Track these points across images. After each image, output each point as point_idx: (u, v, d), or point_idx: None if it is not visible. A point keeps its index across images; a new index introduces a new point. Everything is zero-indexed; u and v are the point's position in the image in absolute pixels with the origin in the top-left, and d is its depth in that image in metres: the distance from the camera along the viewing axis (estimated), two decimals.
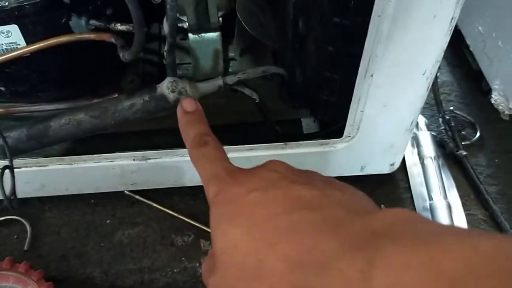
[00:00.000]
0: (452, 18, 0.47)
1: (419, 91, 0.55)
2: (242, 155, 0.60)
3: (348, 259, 0.22)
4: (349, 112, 0.57)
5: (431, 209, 0.63)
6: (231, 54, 0.68)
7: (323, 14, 0.54)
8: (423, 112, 0.77)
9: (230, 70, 0.69)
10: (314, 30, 0.57)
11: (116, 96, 0.48)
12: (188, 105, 0.41)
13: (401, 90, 0.54)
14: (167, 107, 0.46)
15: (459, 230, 0.23)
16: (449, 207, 0.63)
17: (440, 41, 0.49)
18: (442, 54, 0.52)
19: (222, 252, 0.29)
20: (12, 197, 0.40)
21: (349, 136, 0.60)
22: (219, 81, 0.50)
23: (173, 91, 0.46)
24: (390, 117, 0.57)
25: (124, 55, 0.48)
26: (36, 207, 0.66)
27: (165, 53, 0.45)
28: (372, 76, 0.51)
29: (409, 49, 0.49)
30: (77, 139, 0.48)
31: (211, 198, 0.32)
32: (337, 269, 0.22)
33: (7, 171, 0.40)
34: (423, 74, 0.52)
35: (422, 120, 0.73)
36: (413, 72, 0.52)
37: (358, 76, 0.52)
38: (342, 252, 0.23)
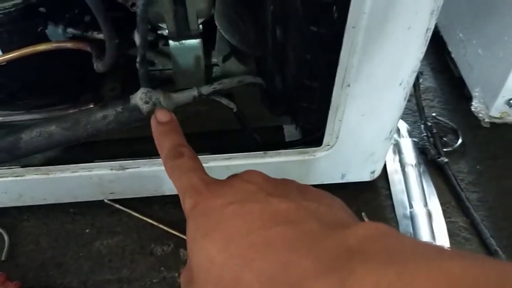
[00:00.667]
0: (427, 29, 0.47)
1: (396, 101, 0.54)
2: (221, 164, 0.60)
3: (322, 279, 0.22)
4: (328, 121, 0.56)
5: (412, 217, 0.63)
6: (214, 60, 0.68)
7: (301, 23, 0.53)
8: (405, 118, 0.77)
9: (213, 76, 0.69)
10: (293, 38, 0.56)
11: (89, 107, 0.47)
12: (162, 116, 0.40)
13: (379, 100, 0.54)
14: (141, 118, 0.46)
15: (432, 249, 0.23)
16: (429, 214, 0.63)
17: (416, 52, 0.49)
18: (419, 64, 0.52)
19: (199, 266, 0.28)
20: None
21: (328, 145, 0.60)
22: (194, 92, 0.49)
23: (146, 102, 0.46)
24: (369, 126, 0.57)
25: (98, 66, 0.48)
26: (14, 216, 0.65)
27: (137, 65, 0.45)
28: (349, 86, 0.51)
29: (385, 60, 0.49)
30: (50, 150, 0.47)
31: (187, 210, 0.32)
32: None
33: None
34: (400, 84, 0.52)
35: (404, 127, 0.73)
36: (390, 82, 0.52)
37: (335, 86, 0.52)
38: (316, 271, 0.23)
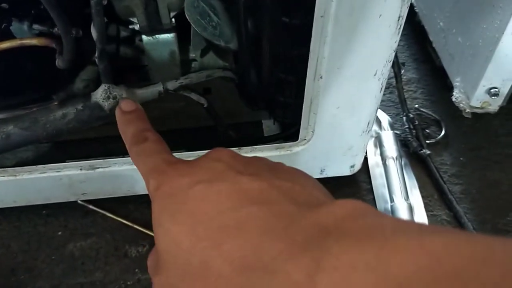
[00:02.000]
0: (399, 17, 0.45)
1: (372, 92, 0.53)
2: None
3: (295, 261, 0.21)
4: (303, 115, 0.55)
5: (392, 211, 0.62)
6: (192, 55, 0.66)
7: (272, 14, 0.52)
8: (387, 110, 0.76)
9: (191, 71, 0.67)
10: (265, 31, 0.55)
11: (47, 105, 0.46)
12: (126, 105, 0.38)
13: (354, 92, 0.52)
14: (102, 116, 0.44)
15: (411, 226, 0.22)
16: (410, 208, 0.62)
17: (389, 40, 0.47)
18: (393, 54, 0.50)
19: (165, 251, 0.27)
20: None
21: (305, 139, 0.58)
22: (159, 87, 0.48)
23: (108, 98, 0.44)
24: (345, 119, 0.56)
25: (59, 63, 0.46)
26: None
27: (96, 60, 0.43)
28: (321, 77, 0.50)
29: (356, 50, 0.47)
30: (8, 151, 0.46)
31: (151, 192, 0.30)
32: (284, 272, 0.21)
33: None
34: (375, 75, 0.50)
35: (385, 119, 0.72)
36: (363, 73, 0.50)
37: (307, 78, 0.50)
38: (289, 253, 0.22)
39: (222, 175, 0.28)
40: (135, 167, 0.59)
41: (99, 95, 0.44)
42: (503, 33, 0.54)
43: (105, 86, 0.44)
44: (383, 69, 0.50)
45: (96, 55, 0.42)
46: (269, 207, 0.25)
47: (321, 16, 0.43)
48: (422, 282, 0.17)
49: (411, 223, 0.23)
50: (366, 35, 0.46)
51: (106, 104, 0.43)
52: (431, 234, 0.20)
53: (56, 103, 0.49)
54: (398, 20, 0.45)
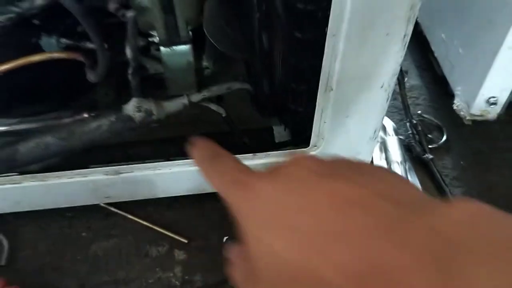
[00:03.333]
0: (404, 35, 0.49)
1: (379, 103, 0.57)
2: None
3: (420, 272, 0.19)
4: (314, 123, 0.58)
5: None
6: (205, 64, 0.70)
7: (285, 29, 0.55)
8: (391, 116, 0.80)
9: (204, 80, 0.71)
10: (278, 44, 0.58)
11: (83, 117, 0.49)
12: (197, 140, 0.35)
13: (362, 102, 0.56)
14: (133, 127, 0.48)
15: None
16: None
17: (395, 56, 0.51)
18: (399, 67, 0.54)
19: (260, 262, 0.25)
20: None
21: (315, 146, 0.62)
22: (184, 100, 0.51)
23: (138, 111, 0.48)
24: (353, 127, 0.59)
25: (90, 76, 0.50)
26: (12, 222, 0.67)
27: (129, 76, 0.47)
28: (332, 89, 0.53)
29: (365, 64, 0.51)
30: (45, 161, 0.49)
31: (234, 207, 0.29)
32: (408, 285, 0.19)
33: None
34: (381, 87, 0.54)
35: (390, 125, 0.76)
36: (371, 86, 0.54)
37: (319, 90, 0.54)
38: (409, 262, 0.19)
39: (311, 183, 0.26)
40: (156, 172, 0.63)
41: (130, 108, 0.48)
42: (500, 47, 0.58)
43: (136, 99, 0.47)
44: (390, 81, 0.54)
45: (130, 72, 0.46)
46: (371, 212, 0.23)
47: (333, 35, 0.47)
48: None
49: None
50: (374, 52, 0.49)
51: (137, 116, 0.47)
52: None
53: (87, 115, 0.53)
54: (404, 38, 0.49)
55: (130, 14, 0.42)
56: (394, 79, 0.55)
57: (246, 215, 0.27)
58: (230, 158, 0.32)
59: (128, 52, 0.45)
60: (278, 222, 0.25)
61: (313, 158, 0.28)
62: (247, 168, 0.30)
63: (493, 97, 0.64)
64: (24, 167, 0.49)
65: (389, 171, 0.28)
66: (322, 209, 0.24)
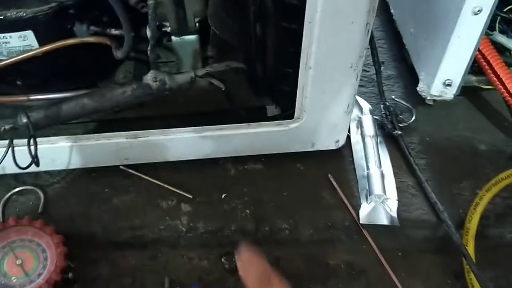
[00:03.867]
0: (366, 24, 0.62)
1: (350, 80, 0.69)
2: (214, 133, 0.75)
3: None
4: (297, 98, 0.71)
5: (368, 177, 0.78)
6: (209, 53, 0.82)
7: (275, 20, 0.68)
8: (369, 100, 0.92)
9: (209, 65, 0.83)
10: (270, 33, 0.71)
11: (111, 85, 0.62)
12: (245, 253, 0.40)
13: (335, 79, 0.69)
14: (150, 93, 0.61)
15: None
16: (382, 175, 0.78)
17: (360, 41, 0.63)
18: (365, 51, 0.66)
19: None
20: (35, 159, 0.54)
21: (299, 118, 0.74)
22: (191, 73, 0.64)
23: (155, 81, 0.61)
24: (329, 102, 0.72)
25: (117, 54, 0.63)
26: (46, 179, 0.80)
27: (148, 52, 0.60)
28: (310, 68, 0.66)
29: (336, 47, 0.63)
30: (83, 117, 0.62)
31: None
32: None
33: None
34: (351, 67, 0.67)
35: (366, 107, 0.88)
36: (342, 65, 0.66)
37: (300, 69, 0.67)
38: None
39: None
40: (168, 137, 0.76)
41: (148, 78, 0.61)
42: (451, 36, 0.71)
43: (153, 71, 0.61)
44: (357, 63, 0.67)
45: (149, 48, 0.59)
46: None
47: (309, 22, 0.60)
48: None
49: None
50: (343, 37, 0.62)
51: (154, 85, 0.60)
52: None
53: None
54: (366, 26, 0.62)
55: (150, 1, 0.55)
56: (361, 61, 0.67)
57: None
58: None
59: (148, 32, 0.58)
60: None
61: None
62: None
63: (448, 79, 0.77)
64: (65, 122, 0.62)
65: None
66: None
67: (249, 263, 0.39)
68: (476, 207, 0.73)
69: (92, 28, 0.71)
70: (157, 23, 0.75)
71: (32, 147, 0.56)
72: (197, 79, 0.68)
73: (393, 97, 0.92)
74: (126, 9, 0.65)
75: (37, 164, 0.55)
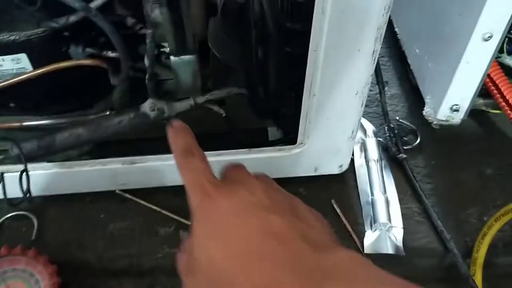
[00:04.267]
0: (373, 51, 0.59)
1: (354, 107, 0.67)
2: (213, 159, 0.72)
3: None
4: (300, 124, 0.69)
5: (372, 203, 0.76)
6: (209, 73, 0.80)
7: (278, 45, 0.66)
8: (373, 121, 0.90)
9: (208, 85, 0.81)
10: (272, 57, 0.69)
11: (107, 114, 0.60)
12: (177, 123, 0.46)
13: (340, 107, 0.66)
14: (148, 123, 0.59)
15: (388, 279, 0.30)
16: (387, 201, 0.76)
17: (366, 68, 0.61)
18: (370, 78, 0.64)
19: (199, 260, 0.33)
20: (28, 194, 0.52)
21: (301, 143, 0.72)
22: (190, 101, 0.62)
23: (153, 110, 0.58)
24: (333, 128, 0.70)
25: (113, 80, 0.60)
26: (40, 204, 0.77)
27: (146, 81, 0.57)
28: (314, 95, 0.64)
29: (341, 75, 0.61)
30: (77, 147, 0.60)
31: (193, 207, 0.36)
32: None
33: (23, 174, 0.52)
34: (356, 94, 0.65)
35: (370, 128, 0.86)
36: (347, 93, 0.64)
37: (303, 96, 0.64)
38: (294, 286, 0.28)
39: (254, 209, 0.34)
40: (166, 163, 0.73)
41: (146, 107, 0.58)
42: (460, 62, 0.68)
43: (151, 100, 0.58)
44: (363, 90, 0.64)
45: (147, 77, 0.57)
46: (287, 245, 0.31)
47: (314, 50, 0.58)
48: None
49: (387, 275, 0.30)
50: (349, 65, 0.60)
51: (152, 114, 0.58)
52: (395, 285, 0.28)
53: (109, 112, 0.64)
54: (373, 53, 0.59)
55: (148, 31, 0.53)
56: (367, 88, 0.65)
57: (200, 219, 0.35)
58: (203, 161, 0.39)
59: (146, 61, 0.55)
60: (222, 236, 0.33)
61: (265, 190, 0.36)
62: (213, 177, 0.38)
63: (456, 104, 0.74)
64: (60, 152, 0.59)
65: (319, 217, 0.37)
66: (253, 232, 0.32)
67: (178, 132, 0.43)
68: (484, 237, 0.71)
69: (88, 50, 0.69)
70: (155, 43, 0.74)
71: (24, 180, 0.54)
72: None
73: (397, 117, 0.90)
74: (122, 32, 0.64)
75: (30, 200, 0.52)
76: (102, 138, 0.58)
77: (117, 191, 0.78)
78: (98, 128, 0.57)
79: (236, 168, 0.41)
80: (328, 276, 0.29)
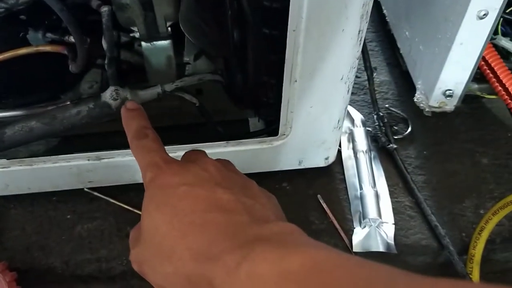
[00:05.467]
0: (359, 31, 0.54)
1: (340, 94, 0.61)
2: None
3: (232, 254, 0.30)
4: (281, 113, 0.63)
5: (361, 197, 0.71)
6: (186, 59, 0.74)
7: (255, 26, 0.60)
8: (361, 109, 0.85)
9: (186, 73, 0.75)
10: (250, 40, 0.63)
11: (64, 104, 0.54)
12: (131, 104, 0.46)
13: (324, 94, 0.61)
14: (110, 113, 0.53)
15: (321, 245, 0.31)
16: (376, 195, 0.71)
17: (352, 51, 0.56)
18: (357, 62, 0.58)
19: (146, 231, 0.35)
20: None
21: (284, 134, 0.66)
22: (158, 89, 0.56)
23: (115, 99, 0.52)
24: (318, 117, 0.64)
25: (72, 68, 0.54)
26: (1, 205, 0.71)
27: (106, 66, 0.51)
28: (296, 81, 0.58)
29: (324, 58, 0.56)
30: (31, 143, 0.54)
31: (146, 182, 0.37)
32: (223, 261, 0.30)
33: None
34: (341, 79, 0.59)
35: (358, 118, 0.81)
36: (332, 78, 0.59)
37: (284, 82, 0.59)
38: (231, 249, 0.30)
39: (204, 184, 0.36)
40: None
41: (107, 95, 0.52)
42: (453, 43, 0.63)
43: (113, 88, 0.52)
44: (349, 74, 0.59)
45: (106, 62, 0.51)
46: (230, 216, 0.33)
47: (294, 30, 0.52)
48: (303, 275, 0.27)
49: (321, 244, 0.31)
50: (332, 46, 0.54)
51: (113, 103, 0.52)
52: (322, 248, 0.30)
53: (68, 102, 0.58)
54: (359, 33, 0.54)
55: (104, 9, 0.47)
56: (353, 73, 0.60)
57: (151, 193, 0.36)
58: (156, 142, 0.40)
59: (104, 44, 0.49)
60: (170, 208, 0.34)
61: (219, 168, 0.38)
62: (166, 155, 0.39)
63: (449, 89, 0.69)
64: (10, 148, 0.53)
65: (270, 197, 0.39)
66: (198, 203, 0.34)
67: (132, 113, 0.44)
68: (481, 232, 0.66)
69: (49, 35, 0.63)
70: (124, 28, 0.68)
71: None
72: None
73: (387, 105, 0.84)
74: (87, 12, 0.58)
75: None
76: (60, 131, 0.52)
77: (85, 189, 0.72)
78: (54, 121, 0.51)
79: (195, 151, 0.42)
80: (261, 242, 0.30)
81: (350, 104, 0.85)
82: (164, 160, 0.38)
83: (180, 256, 0.32)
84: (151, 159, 0.38)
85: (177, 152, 0.66)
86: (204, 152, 0.43)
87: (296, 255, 0.28)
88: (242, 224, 0.33)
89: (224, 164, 0.40)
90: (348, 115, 0.81)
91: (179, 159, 0.41)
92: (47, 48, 0.62)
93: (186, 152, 0.43)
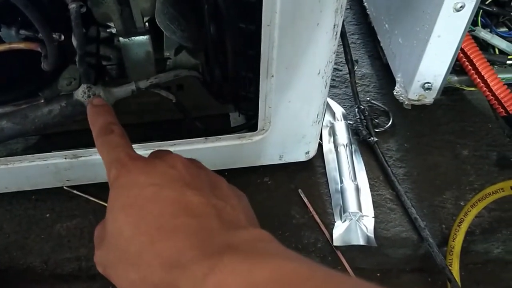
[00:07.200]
0: (334, 25, 0.53)
1: (318, 88, 0.61)
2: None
3: (200, 265, 0.28)
4: (259, 108, 0.63)
5: (342, 191, 0.71)
6: (166, 54, 0.73)
7: (231, 20, 0.59)
8: (342, 103, 0.84)
9: (167, 68, 0.74)
10: (227, 34, 0.62)
11: (35, 103, 0.53)
12: (97, 101, 0.45)
13: (302, 88, 0.60)
14: (83, 111, 0.52)
15: (290, 255, 0.30)
16: (357, 188, 0.71)
17: (328, 45, 0.55)
18: (333, 55, 0.58)
19: (111, 233, 0.33)
20: None
21: (263, 129, 0.66)
22: (132, 86, 0.55)
23: (88, 97, 0.52)
24: (296, 112, 0.64)
25: (44, 65, 0.53)
26: None
27: (77, 64, 0.50)
28: (272, 76, 0.58)
29: (300, 52, 0.55)
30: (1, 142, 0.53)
31: (111, 179, 0.35)
32: (191, 271, 0.28)
33: None
34: (318, 74, 0.59)
35: (339, 111, 0.80)
36: (308, 72, 0.58)
37: (261, 77, 0.58)
38: (199, 259, 0.29)
39: (172, 184, 0.33)
40: None
41: (80, 93, 0.51)
42: (431, 35, 0.63)
43: (85, 85, 0.51)
44: (326, 69, 0.58)
45: (77, 59, 0.50)
46: (200, 221, 0.31)
47: (268, 25, 0.51)
48: (268, 285, 0.26)
49: (290, 252, 0.30)
50: (308, 41, 0.54)
51: (86, 102, 0.51)
52: (293, 259, 0.28)
53: (43, 101, 0.57)
54: (334, 27, 0.53)
55: (72, 5, 0.46)
56: (331, 67, 0.59)
57: (116, 193, 0.34)
58: (122, 138, 0.38)
59: (74, 41, 0.48)
60: (136, 210, 0.32)
61: (187, 165, 0.35)
62: (132, 151, 0.37)
63: (428, 82, 0.69)
64: None
65: (241, 197, 0.37)
66: (166, 206, 0.32)
67: (97, 109, 0.43)
68: (461, 224, 0.66)
69: (23, 32, 0.62)
70: (101, 24, 0.67)
71: None
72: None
73: (368, 98, 0.84)
74: (62, 9, 0.57)
75: None
76: (31, 131, 0.51)
77: (65, 187, 0.71)
78: (25, 120, 0.50)
79: (163, 150, 0.40)
80: (230, 250, 0.29)
81: (331, 98, 0.85)
82: (130, 156, 0.36)
83: (149, 263, 0.30)
84: (116, 155, 0.36)
85: (155, 149, 0.66)
86: (170, 151, 0.41)
87: (264, 266, 0.27)
88: (212, 231, 0.31)
89: (192, 160, 0.38)
90: (329, 108, 0.81)
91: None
92: (21, 46, 0.60)
93: (152, 152, 0.41)
